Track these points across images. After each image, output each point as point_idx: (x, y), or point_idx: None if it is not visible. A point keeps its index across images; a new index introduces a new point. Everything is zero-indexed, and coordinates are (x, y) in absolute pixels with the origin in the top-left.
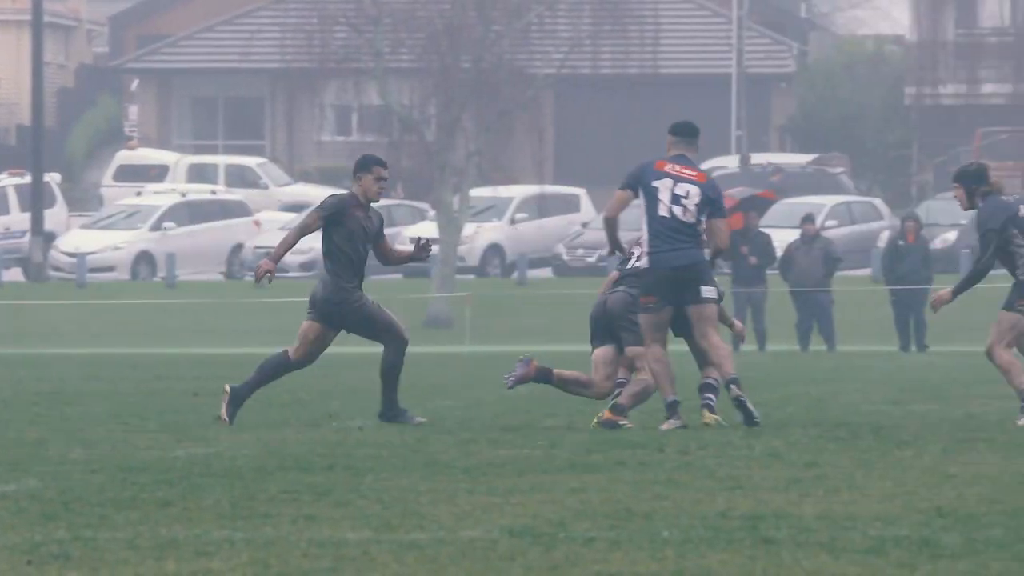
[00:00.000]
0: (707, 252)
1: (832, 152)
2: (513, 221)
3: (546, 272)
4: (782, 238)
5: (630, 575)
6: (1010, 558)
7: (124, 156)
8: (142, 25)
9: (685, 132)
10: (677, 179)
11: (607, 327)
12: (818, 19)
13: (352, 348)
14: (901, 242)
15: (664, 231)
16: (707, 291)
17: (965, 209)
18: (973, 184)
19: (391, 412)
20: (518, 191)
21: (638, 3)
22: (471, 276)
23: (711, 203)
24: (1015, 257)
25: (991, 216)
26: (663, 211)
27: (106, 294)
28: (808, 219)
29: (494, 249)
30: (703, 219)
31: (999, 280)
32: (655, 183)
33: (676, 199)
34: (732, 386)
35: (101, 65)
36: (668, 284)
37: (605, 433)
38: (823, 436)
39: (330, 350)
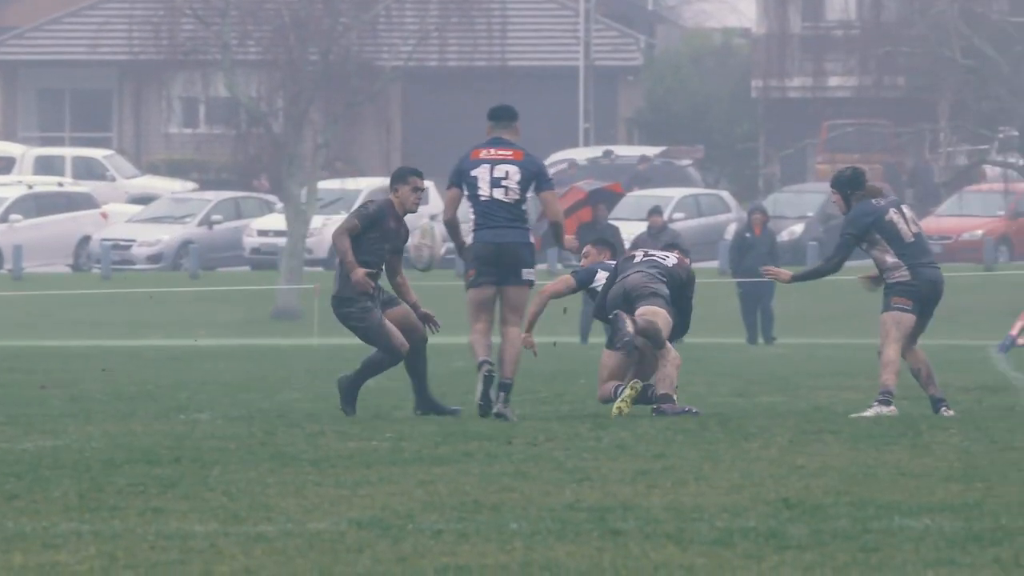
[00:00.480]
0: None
1: (683, 145)
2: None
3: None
4: (630, 230)
5: (478, 567)
6: (856, 549)
7: None
8: None
9: (500, 116)
10: (494, 162)
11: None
12: (665, 12)
13: (209, 341)
14: (748, 234)
15: (487, 211)
16: (527, 273)
17: (844, 214)
18: (848, 189)
19: (346, 398)
20: (366, 183)
21: None
22: (319, 268)
23: (535, 177)
24: (880, 261)
25: (852, 221)
26: (483, 195)
27: None
28: (655, 211)
29: None
30: (528, 196)
31: (849, 272)
32: (473, 172)
33: (496, 182)
34: (502, 393)
35: None
36: (489, 261)
37: (453, 425)
38: (670, 428)
39: (184, 343)
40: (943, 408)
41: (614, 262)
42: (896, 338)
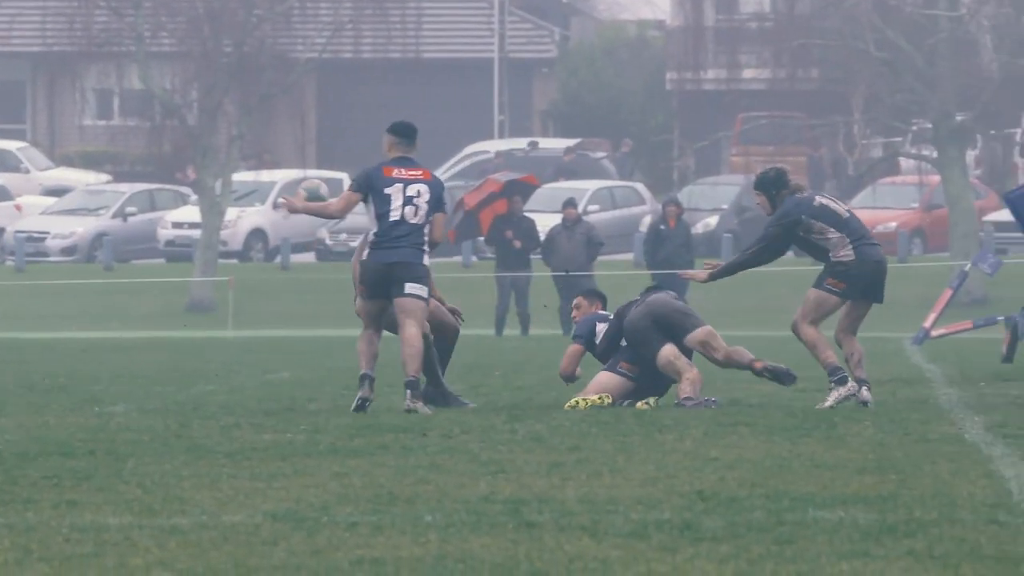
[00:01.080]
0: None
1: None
2: (275, 206)
3: (309, 257)
4: (545, 223)
5: (393, 560)
6: (771, 541)
7: None
8: None
9: (404, 133)
10: (407, 182)
11: (665, 329)
12: (579, 4)
13: (122, 333)
14: (663, 226)
15: (390, 230)
16: (411, 287)
17: (768, 215)
18: (773, 190)
19: (445, 399)
20: (281, 175)
21: None
22: (234, 260)
23: (438, 200)
24: (823, 244)
25: (782, 215)
26: (395, 215)
27: None
28: (570, 203)
29: (257, 234)
30: (431, 218)
31: (765, 268)
32: (387, 190)
33: (408, 200)
34: (408, 391)
35: None
36: (379, 278)
37: (368, 418)
38: (585, 420)
39: (100, 334)
40: (864, 389)
41: (606, 312)
42: (813, 319)
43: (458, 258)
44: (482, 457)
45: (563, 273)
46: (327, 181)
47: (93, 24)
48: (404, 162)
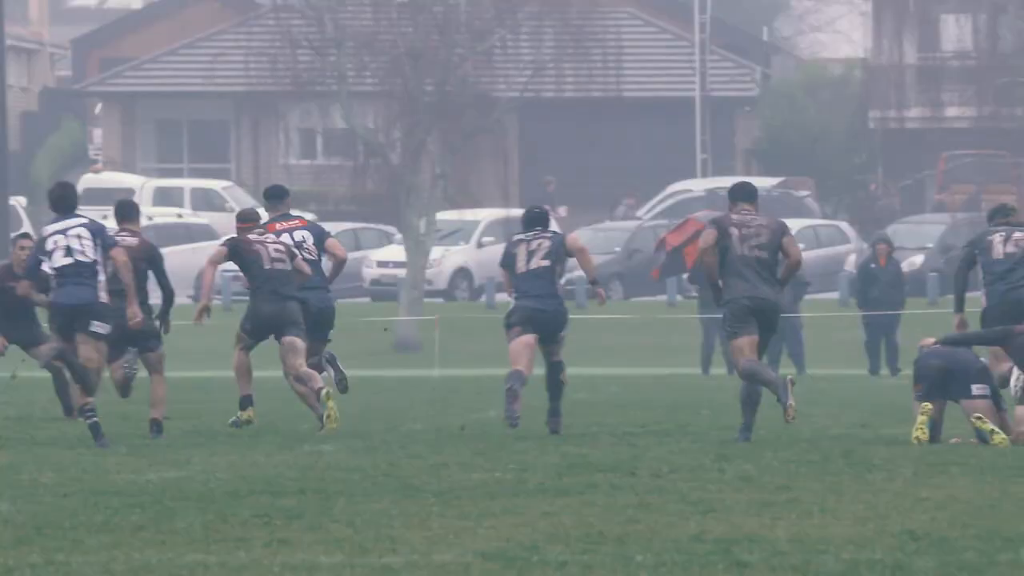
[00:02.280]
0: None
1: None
2: (480, 244)
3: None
4: None
5: None
6: None
7: (89, 179)
8: (105, 48)
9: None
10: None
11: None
12: (780, 42)
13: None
14: (873, 265)
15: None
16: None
17: None
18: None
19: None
20: (484, 214)
21: (601, 26)
22: (439, 299)
23: (320, 239)
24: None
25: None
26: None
27: None
28: None
29: (462, 273)
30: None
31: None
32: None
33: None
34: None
35: (64, 88)
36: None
37: (576, 456)
38: (794, 460)
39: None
40: None
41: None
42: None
43: (663, 297)
44: (691, 496)
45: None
46: None
47: (296, 64)
48: (285, 217)
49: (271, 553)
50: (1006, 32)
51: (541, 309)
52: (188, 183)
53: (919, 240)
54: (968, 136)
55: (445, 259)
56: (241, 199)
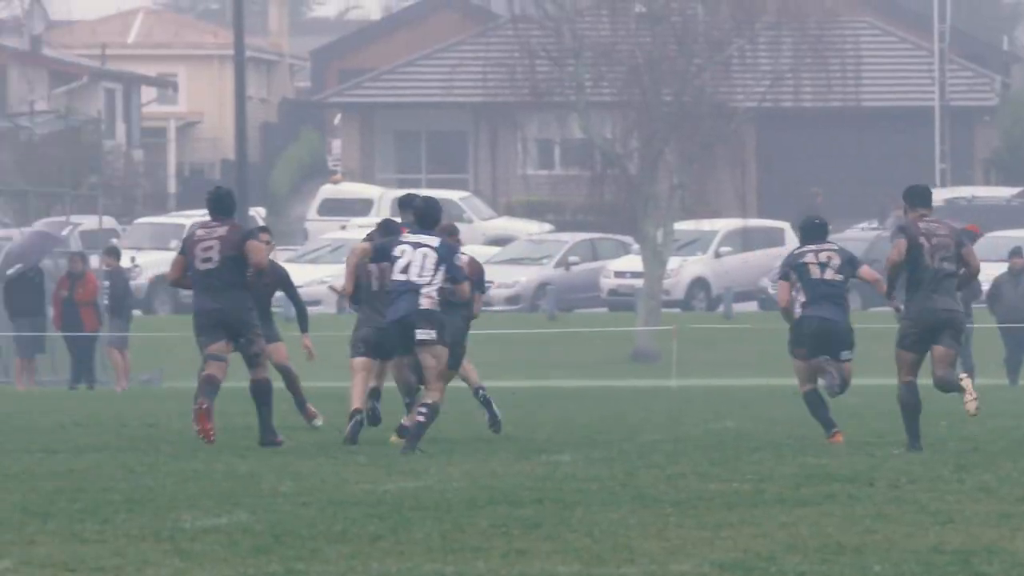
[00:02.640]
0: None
1: None
2: (718, 255)
3: (751, 306)
4: (988, 272)
5: None
6: None
7: (328, 190)
8: (344, 59)
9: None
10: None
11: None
12: (1021, 52)
13: (566, 382)
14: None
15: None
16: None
17: None
18: None
19: None
20: (722, 225)
21: (839, 36)
22: (676, 309)
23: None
24: None
25: None
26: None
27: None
28: (1016, 252)
29: (699, 283)
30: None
31: None
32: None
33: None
34: None
35: (303, 99)
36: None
37: (814, 467)
38: None
39: (543, 382)
40: None
41: None
42: None
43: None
44: (930, 507)
45: (1009, 324)
46: (767, 231)
47: (534, 74)
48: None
49: (509, 563)
50: None
51: (831, 320)
52: (426, 193)
53: None
54: None
55: (683, 269)
56: (479, 210)
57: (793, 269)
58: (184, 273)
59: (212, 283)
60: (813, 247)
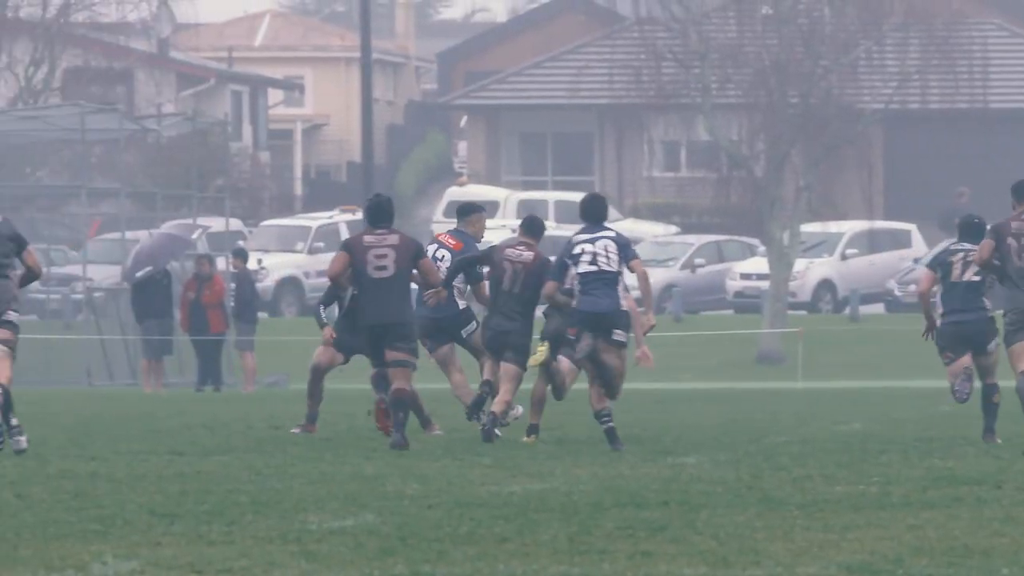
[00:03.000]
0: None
1: None
2: (844, 256)
3: (878, 308)
4: None
5: None
6: None
7: (454, 192)
8: (470, 61)
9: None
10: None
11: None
12: None
13: (692, 384)
14: None
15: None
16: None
17: None
18: None
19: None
20: (848, 226)
21: (967, 37)
22: (802, 312)
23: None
24: None
25: None
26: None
27: None
28: None
29: (825, 285)
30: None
31: None
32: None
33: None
34: None
35: (429, 101)
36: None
37: (940, 469)
38: None
39: (665, 385)
40: None
41: None
42: None
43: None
44: None
45: None
46: (894, 233)
47: (660, 76)
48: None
49: (634, 565)
50: None
51: (967, 322)
52: (552, 195)
53: None
54: None
55: (809, 271)
56: None
57: (940, 265)
58: (345, 271)
59: (382, 294)
60: (968, 246)
